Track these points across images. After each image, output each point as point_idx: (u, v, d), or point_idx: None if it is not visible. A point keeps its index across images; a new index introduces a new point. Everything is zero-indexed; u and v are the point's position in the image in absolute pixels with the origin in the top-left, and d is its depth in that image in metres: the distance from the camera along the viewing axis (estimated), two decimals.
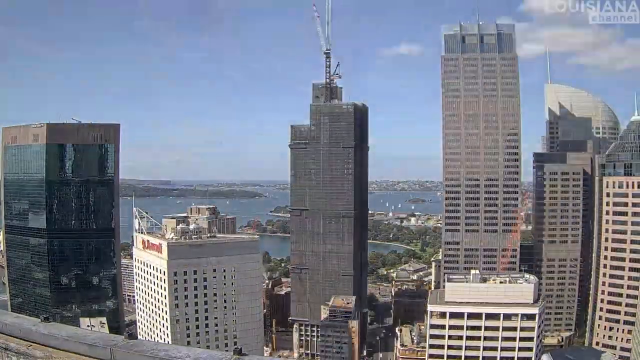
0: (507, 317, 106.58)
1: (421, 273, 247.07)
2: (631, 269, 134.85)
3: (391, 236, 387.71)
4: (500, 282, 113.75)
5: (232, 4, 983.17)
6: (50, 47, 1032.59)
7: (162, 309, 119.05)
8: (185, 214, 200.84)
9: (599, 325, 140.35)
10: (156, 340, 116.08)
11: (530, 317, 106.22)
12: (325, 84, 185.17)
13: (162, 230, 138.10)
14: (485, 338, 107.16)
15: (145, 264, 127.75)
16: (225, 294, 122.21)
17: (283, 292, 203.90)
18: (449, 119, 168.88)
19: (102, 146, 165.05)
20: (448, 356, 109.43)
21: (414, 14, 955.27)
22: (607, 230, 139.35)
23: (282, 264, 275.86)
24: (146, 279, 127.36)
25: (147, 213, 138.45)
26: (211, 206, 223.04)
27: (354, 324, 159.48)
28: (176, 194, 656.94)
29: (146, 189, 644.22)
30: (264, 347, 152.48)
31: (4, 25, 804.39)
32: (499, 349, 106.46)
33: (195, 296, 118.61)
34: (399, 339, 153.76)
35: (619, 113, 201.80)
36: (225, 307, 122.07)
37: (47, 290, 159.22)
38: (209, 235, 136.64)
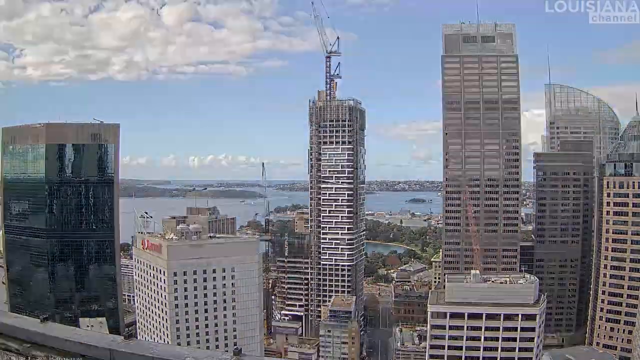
0: (508, 317, 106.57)
1: (421, 273, 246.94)
2: (631, 269, 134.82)
3: (391, 236, 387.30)
4: (501, 283, 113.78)
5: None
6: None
7: (162, 309, 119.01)
8: (185, 214, 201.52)
9: (599, 325, 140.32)
10: (156, 340, 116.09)
11: (531, 317, 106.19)
12: (326, 90, 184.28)
13: (162, 230, 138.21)
14: (485, 338, 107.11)
15: (145, 264, 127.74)
16: (225, 294, 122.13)
17: None
18: (449, 119, 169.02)
19: (102, 146, 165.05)
20: (448, 356, 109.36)
21: (414, 14, 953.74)
22: (607, 231, 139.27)
23: None
24: (146, 279, 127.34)
25: (146, 213, 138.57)
26: (211, 206, 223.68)
27: (354, 324, 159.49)
28: (176, 194, 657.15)
29: (146, 189, 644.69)
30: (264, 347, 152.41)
31: None
32: (499, 349, 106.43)
33: (195, 296, 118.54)
34: (398, 339, 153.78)
35: (620, 113, 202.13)
36: (225, 307, 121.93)
37: (47, 290, 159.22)
38: (208, 235, 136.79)
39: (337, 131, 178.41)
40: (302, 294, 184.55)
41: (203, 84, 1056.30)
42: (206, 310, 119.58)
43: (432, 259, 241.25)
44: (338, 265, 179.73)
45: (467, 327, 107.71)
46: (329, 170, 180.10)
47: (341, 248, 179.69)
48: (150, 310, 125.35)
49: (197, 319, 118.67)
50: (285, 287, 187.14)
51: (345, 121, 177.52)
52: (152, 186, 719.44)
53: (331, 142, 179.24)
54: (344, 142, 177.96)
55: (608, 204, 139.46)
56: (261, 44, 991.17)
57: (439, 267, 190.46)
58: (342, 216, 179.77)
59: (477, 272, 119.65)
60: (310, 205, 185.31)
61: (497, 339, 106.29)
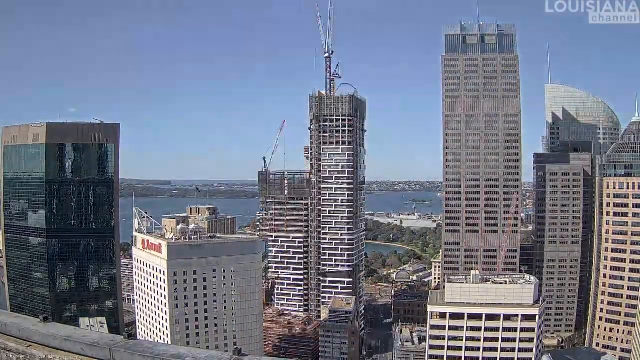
0: (507, 317, 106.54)
1: (421, 274, 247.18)
2: (631, 270, 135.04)
3: (391, 237, 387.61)
4: (501, 283, 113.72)
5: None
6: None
7: (162, 309, 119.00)
8: (185, 214, 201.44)
9: (599, 325, 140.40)
10: (156, 340, 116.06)
11: (531, 318, 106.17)
12: (326, 91, 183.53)
13: (162, 230, 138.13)
14: (485, 339, 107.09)
15: (145, 264, 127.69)
16: (225, 294, 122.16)
17: None
18: (449, 119, 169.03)
19: (102, 146, 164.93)
20: (448, 357, 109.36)
21: (415, 14, 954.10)
22: (607, 231, 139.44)
23: None
24: (146, 279, 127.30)
25: (147, 213, 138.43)
26: (211, 206, 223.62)
27: (354, 324, 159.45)
28: (176, 194, 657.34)
29: (146, 189, 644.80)
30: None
31: None
32: (499, 349, 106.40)
33: (195, 296, 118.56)
34: (398, 339, 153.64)
35: (620, 114, 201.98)
36: (225, 307, 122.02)
37: (47, 290, 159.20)
38: (208, 235, 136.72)
39: (337, 131, 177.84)
40: (302, 294, 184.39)
41: None
42: (206, 310, 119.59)
43: (432, 260, 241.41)
44: (338, 265, 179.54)
45: (467, 327, 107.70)
46: (329, 171, 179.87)
47: (341, 248, 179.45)
48: (150, 310, 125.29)
49: (197, 319, 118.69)
50: (285, 284, 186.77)
51: (345, 116, 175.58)
52: (152, 186, 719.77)
53: (331, 143, 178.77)
54: (344, 143, 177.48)
55: (608, 204, 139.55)
56: None
57: (439, 267, 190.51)
58: (342, 216, 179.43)
59: (477, 272, 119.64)
60: (310, 205, 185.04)
61: (496, 340, 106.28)
